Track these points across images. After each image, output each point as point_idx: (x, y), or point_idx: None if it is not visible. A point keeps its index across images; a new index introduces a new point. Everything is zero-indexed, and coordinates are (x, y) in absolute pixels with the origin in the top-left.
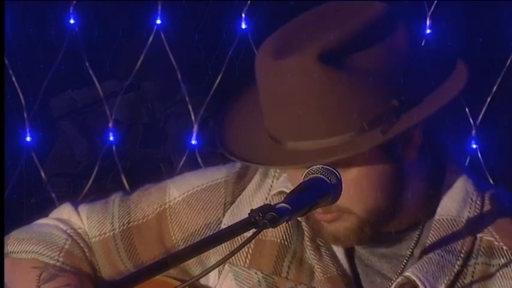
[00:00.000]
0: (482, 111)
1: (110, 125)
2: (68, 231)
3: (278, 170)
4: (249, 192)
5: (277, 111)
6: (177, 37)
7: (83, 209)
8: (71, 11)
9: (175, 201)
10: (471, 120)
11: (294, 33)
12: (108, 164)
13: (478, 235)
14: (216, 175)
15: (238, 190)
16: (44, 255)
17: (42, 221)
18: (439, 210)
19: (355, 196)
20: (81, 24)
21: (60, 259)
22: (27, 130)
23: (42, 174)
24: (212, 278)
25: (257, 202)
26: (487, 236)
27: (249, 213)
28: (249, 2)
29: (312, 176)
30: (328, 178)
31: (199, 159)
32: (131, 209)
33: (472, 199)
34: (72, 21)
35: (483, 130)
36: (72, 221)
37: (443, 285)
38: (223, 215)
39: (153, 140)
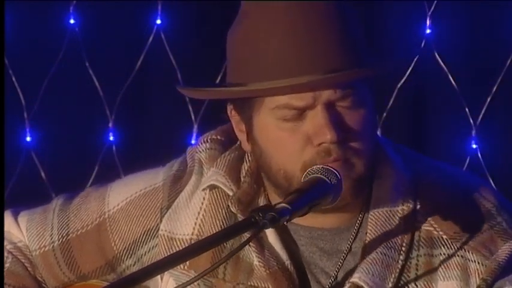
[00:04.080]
0: (482, 111)
1: (110, 125)
2: (8, 247)
3: (213, 168)
4: (186, 194)
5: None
6: (177, 37)
7: (23, 219)
8: (71, 11)
9: (114, 210)
10: (471, 120)
11: None
12: (108, 164)
13: (417, 226)
14: (155, 179)
15: (175, 193)
16: None
17: None
18: (373, 202)
19: (367, 130)
20: (81, 24)
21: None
22: (27, 130)
23: (42, 174)
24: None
25: (194, 204)
26: (426, 226)
27: (249, 213)
28: None
29: (312, 176)
30: (328, 178)
31: None
32: (70, 220)
33: (404, 188)
34: (72, 21)
35: (483, 130)
36: (12, 233)
37: (390, 283)
38: (161, 221)
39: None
